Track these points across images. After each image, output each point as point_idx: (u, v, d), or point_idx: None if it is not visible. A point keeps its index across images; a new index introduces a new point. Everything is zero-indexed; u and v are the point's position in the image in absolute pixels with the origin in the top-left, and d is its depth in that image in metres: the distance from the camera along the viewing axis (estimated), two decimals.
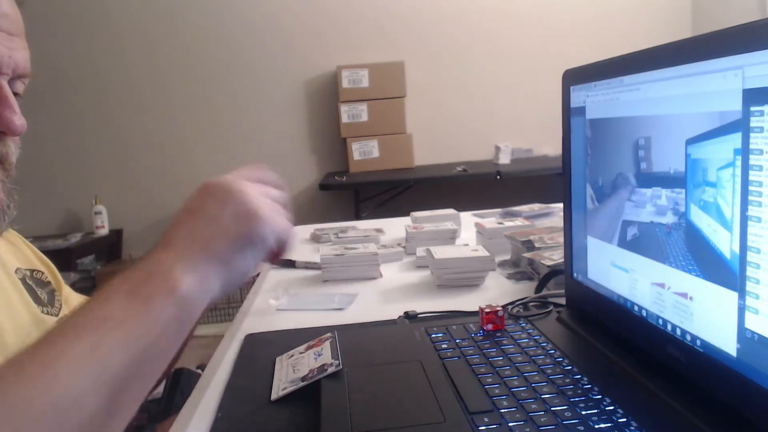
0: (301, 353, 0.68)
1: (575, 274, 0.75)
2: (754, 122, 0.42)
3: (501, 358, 0.63)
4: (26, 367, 0.35)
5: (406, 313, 0.84)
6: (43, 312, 0.63)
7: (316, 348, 0.68)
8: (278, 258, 0.53)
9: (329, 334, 0.71)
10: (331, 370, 0.61)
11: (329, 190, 3.28)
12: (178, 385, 1.07)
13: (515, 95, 3.61)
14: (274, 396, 0.60)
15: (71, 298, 0.75)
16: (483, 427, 0.49)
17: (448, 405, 0.53)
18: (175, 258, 0.43)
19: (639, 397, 0.53)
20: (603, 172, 0.66)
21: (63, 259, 3.02)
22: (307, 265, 1.19)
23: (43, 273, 0.70)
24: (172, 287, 0.42)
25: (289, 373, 0.64)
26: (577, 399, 0.53)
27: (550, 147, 3.50)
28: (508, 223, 1.26)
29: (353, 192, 3.31)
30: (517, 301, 0.82)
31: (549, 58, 3.49)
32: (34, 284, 0.66)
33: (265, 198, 0.51)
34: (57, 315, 0.65)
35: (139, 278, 0.42)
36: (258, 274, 1.17)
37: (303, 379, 0.61)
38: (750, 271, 0.43)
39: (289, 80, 3.55)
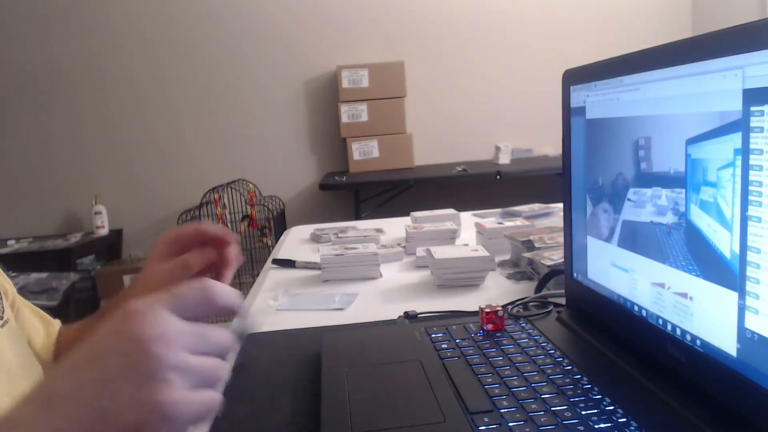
0: None
1: (575, 274, 0.75)
2: (754, 122, 0.42)
3: (501, 358, 0.63)
4: None
5: (406, 313, 0.84)
6: None
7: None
8: None
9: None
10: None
11: (329, 190, 3.28)
12: None
13: (515, 95, 3.61)
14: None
15: (17, 302, 0.73)
16: (483, 427, 0.49)
17: (448, 405, 0.53)
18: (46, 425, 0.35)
19: (639, 397, 0.53)
20: (603, 172, 0.66)
21: (63, 258, 3.02)
22: (307, 265, 1.19)
23: None
24: None
25: None
26: (576, 399, 0.53)
27: (550, 147, 3.50)
28: (508, 223, 1.26)
29: (353, 192, 3.31)
30: (517, 301, 0.82)
31: (549, 58, 3.49)
32: None
33: (188, 362, 0.38)
34: (1, 318, 0.64)
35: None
36: None
37: None
38: (750, 271, 0.43)
39: (289, 80, 3.55)
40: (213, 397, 0.39)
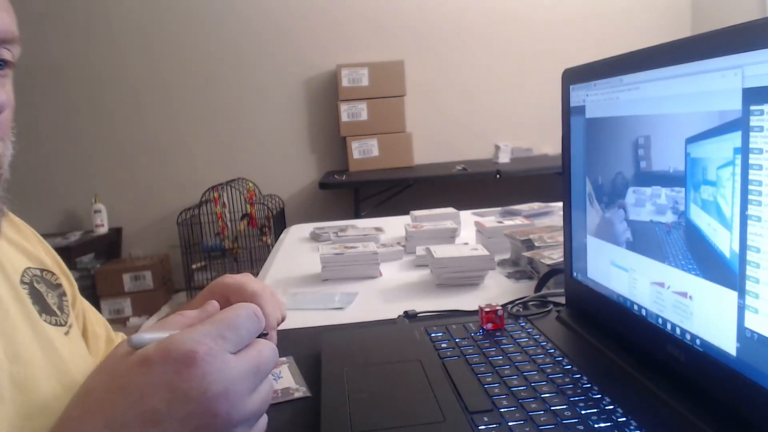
0: None
1: (575, 274, 0.75)
2: (753, 121, 0.42)
3: (500, 357, 0.63)
4: None
5: (405, 312, 0.84)
6: (48, 321, 0.54)
7: (273, 369, 0.67)
8: None
9: (284, 359, 0.70)
10: (298, 395, 0.61)
11: (329, 188, 3.28)
12: None
13: (515, 94, 3.61)
14: None
15: (78, 302, 0.66)
16: (482, 427, 0.49)
17: (448, 404, 0.53)
18: None
19: (638, 396, 0.53)
20: (603, 171, 0.66)
21: (62, 257, 2.99)
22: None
23: (52, 274, 0.61)
24: None
25: None
26: (576, 398, 0.53)
27: (550, 146, 3.50)
28: (507, 222, 1.26)
29: (353, 191, 3.31)
30: (516, 300, 0.82)
31: (549, 58, 3.49)
32: (45, 286, 0.58)
33: (252, 411, 0.37)
34: (65, 323, 0.56)
35: None
36: None
37: None
38: (750, 270, 0.43)
39: (289, 79, 3.55)
40: (265, 423, 0.40)
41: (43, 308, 0.55)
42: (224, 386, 0.35)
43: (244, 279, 0.58)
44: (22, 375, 0.46)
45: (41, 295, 0.56)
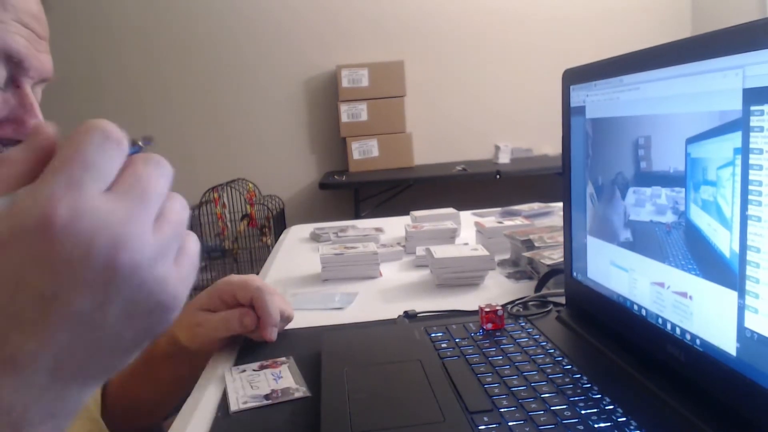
0: (255, 371, 0.68)
1: (575, 274, 0.75)
2: (754, 122, 0.42)
3: (500, 357, 0.63)
4: None
5: (405, 312, 0.84)
6: None
7: (273, 369, 0.68)
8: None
9: (284, 359, 0.70)
10: (298, 395, 0.61)
11: (329, 189, 3.28)
12: None
13: (515, 95, 3.61)
14: (234, 408, 0.59)
15: None
16: (482, 427, 0.49)
17: (448, 404, 0.53)
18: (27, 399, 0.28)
19: (638, 396, 0.53)
20: (603, 171, 0.66)
21: None
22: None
23: None
24: None
25: (246, 387, 0.64)
26: (576, 398, 0.53)
27: (550, 146, 3.50)
28: (507, 222, 1.26)
29: (353, 191, 3.31)
30: (516, 300, 0.82)
31: (549, 58, 3.49)
32: None
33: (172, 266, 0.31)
34: None
35: None
36: None
37: (267, 397, 0.61)
38: (750, 270, 0.43)
39: (289, 80, 3.55)
40: (194, 242, 0.33)
41: None
42: (109, 232, 0.28)
43: (249, 276, 0.59)
44: None
45: None
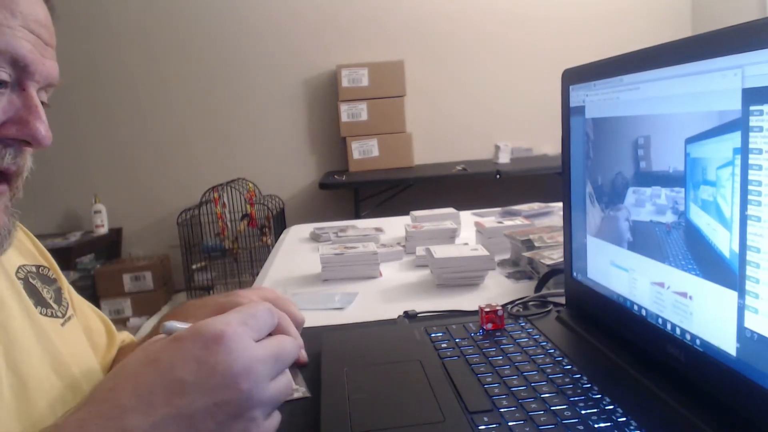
0: None
1: (575, 274, 0.75)
2: (753, 121, 0.42)
3: (500, 357, 0.63)
4: None
5: (405, 312, 0.84)
6: (44, 313, 0.56)
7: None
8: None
9: None
10: (298, 395, 0.61)
11: (329, 189, 3.28)
12: None
13: (515, 95, 3.61)
14: None
15: (74, 297, 0.70)
16: (482, 427, 0.49)
17: (448, 404, 0.53)
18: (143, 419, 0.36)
19: (638, 396, 0.53)
20: (602, 171, 0.66)
21: (62, 258, 3.02)
22: None
23: (48, 269, 0.63)
24: None
25: None
26: (576, 398, 0.53)
27: (550, 146, 3.50)
28: (507, 222, 1.26)
29: (353, 191, 3.31)
30: (516, 300, 0.82)
31: (549, 58, 3.49)
32: (40, 282, 0.59)
33: (272, 397, 0.40)
34: (64, 315, 0.58)
35: None
36: None
37: None
38: (749, 270, 0.43)
39: (289, 80, 3.55)
40: (278, 419, 0.42)
41: (38, 301, 0.57)
42: (248, 364, 0.37)
43: (256, 300, 0.60)
44: (17, 360, 0.48)
45: (36, 289, 0.58)
